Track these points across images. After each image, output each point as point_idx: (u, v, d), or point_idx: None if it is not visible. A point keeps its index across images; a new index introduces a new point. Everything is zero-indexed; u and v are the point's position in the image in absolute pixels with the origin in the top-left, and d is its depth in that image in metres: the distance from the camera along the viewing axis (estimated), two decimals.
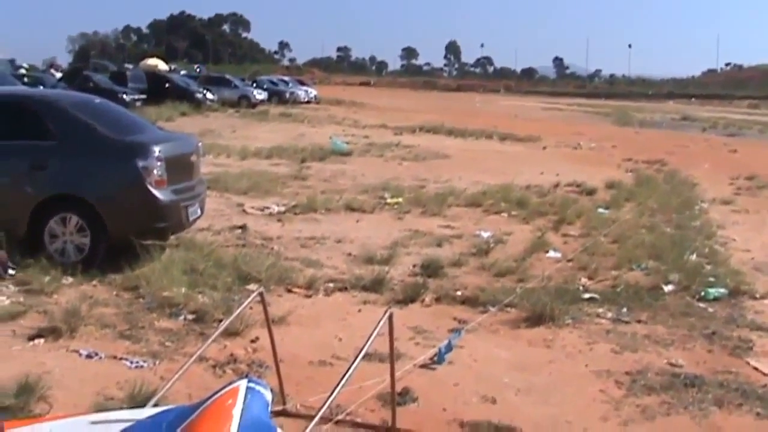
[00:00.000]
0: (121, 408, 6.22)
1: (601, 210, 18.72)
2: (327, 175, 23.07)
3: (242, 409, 3.89)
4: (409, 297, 10.67)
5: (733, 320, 10.45)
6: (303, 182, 21.57)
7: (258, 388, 4.04)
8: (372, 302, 10.45)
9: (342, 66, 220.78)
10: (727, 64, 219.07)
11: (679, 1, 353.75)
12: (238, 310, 6.26)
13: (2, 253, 3.20)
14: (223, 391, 3.98)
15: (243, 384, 3.95)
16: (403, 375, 7.25)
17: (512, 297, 10.75)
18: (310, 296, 10.71)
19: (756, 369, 8.66)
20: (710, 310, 10.90)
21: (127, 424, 3.99)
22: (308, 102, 72.78)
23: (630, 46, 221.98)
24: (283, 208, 17.13)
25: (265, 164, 25.11)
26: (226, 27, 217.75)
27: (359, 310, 10.16)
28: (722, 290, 11.69)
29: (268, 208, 17.18)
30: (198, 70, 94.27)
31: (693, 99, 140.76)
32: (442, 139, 38.49)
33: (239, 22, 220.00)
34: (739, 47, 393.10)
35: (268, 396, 4.36)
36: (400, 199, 18.80)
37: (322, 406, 4.66)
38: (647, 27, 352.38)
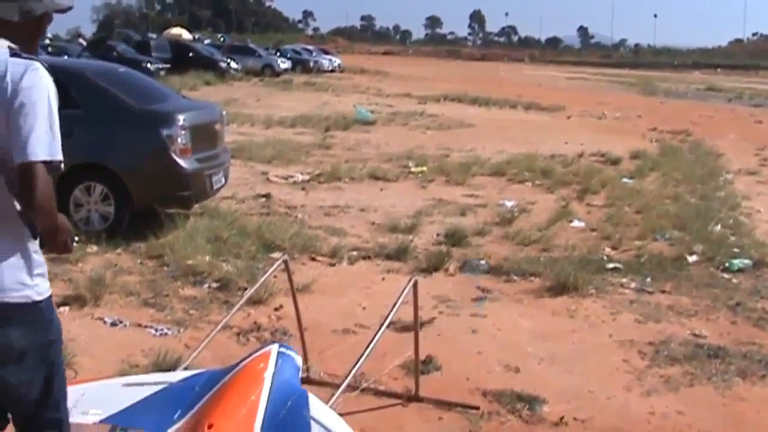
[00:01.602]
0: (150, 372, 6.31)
1: (625, 180, 18.65)
2: (351, 144, 23.09)
3: (273, 373, 4.45)
4: (433, 266, 10.66)
5: (757, 292, 10.38)
6: (327, 151, 21.60)
7: (289, 353, 4.70)
8: (396, 271, 10.45)
9: (366, 35, 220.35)
10: (754, 34, 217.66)
11: None
12: (263, 278, 6.29)
13: (67, 222, 3.21)
14: (254, 356, 4.56)
15: (274, 349, 4.60)
16: (427, 343, 7.25)
17: (536, 266, 10.77)
18: (333, 264, 10.73)
19: None
20: (734, 281, 10.83)
21: (160, 387, 4.67)
22: (332, 71, 72.87)
23: (655, 15, 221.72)
24: (307, 177, 17.15)
25: (289, 133, 25.13)
26: None
27: (383, 279, 10.18)
28: (747, 261, 11.61)
29: (292, 176, 17.21)
30: (222, 39, 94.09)
31: (719, 69, 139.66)
32: (466, 108, 38.42)
33: None
34: (767, 16, 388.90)
35: (299, 361, 4.76)
36: (424, 168, 18.78)
37: (347, 375, 4.68)
38: None
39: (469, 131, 28.58)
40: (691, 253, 11.91)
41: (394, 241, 11.63)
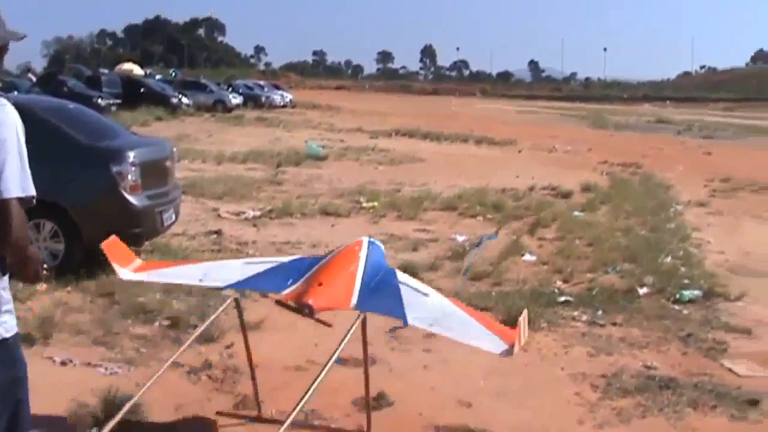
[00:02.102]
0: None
1: (576, 213, 18.77)
2: (303, 180, 23.09)
3: (367, 254, 6.33)
4: None
5: (707, 322, 10.48)
6: (278, 186, 21.59)
7: (377, 242, 6.81)
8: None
9: (318, 70, 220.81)
10: (702, 67, 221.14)
11: (653, 4, 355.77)
12: (213, 317, 6.26)
13: (38, 251, 3.22)
14: (350, 243, 6.41)
15: (365, 239, 6.55)
16: (379, 379, 7.23)
17: (487, 300, 10.78)
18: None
19: (730, 371, 8.70)
20: (685, 312, 10.93)
21: (273, 264, 6.65)
22: (284, 106, 72.83)
23: (605, 49, 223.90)
24: (258, 213, 17.13)
25: (240, 169, 25.11)
26: (201, 31, 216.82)
27: (334, 315, 10.13)
28: (697, 292, 11.72)
29: (243, 212, 17.19)
30: (174, 74, 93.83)
31: (668, 102, 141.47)
32: (418, 143, 38.62)
33: (215, 26, 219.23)
34: (714, 50, 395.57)
35: (383, 248, 6.75)
36: (376, 203, 18.81)
37: (292, 411, 4.68)
38: (622, 30, 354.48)
39: (421, 166, 28.70)
40: (642, 285, 12.00)
41: None
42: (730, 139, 55.63)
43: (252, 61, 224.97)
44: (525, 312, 5.89)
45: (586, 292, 11.65)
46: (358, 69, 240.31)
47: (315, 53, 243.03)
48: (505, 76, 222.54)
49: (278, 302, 6.23)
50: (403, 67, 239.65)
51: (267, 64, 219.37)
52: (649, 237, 16.03)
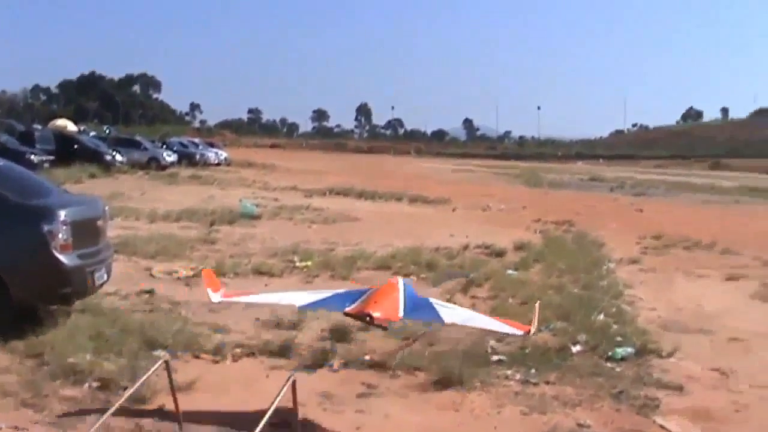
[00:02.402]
0: None
1: (510, 271, 18.84)
2: (236, 239, 22.98)
3: (403, 286, 9.65)
4: (318, 362, 10.62)
5: (640, 379, 10.60)
6: (212, 246, 21.45)
7: (408, 281, 10.93)
8: (280, 368, 10.36)
9: (253, 128, 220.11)
10: (634, 125, 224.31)
11: (586, 64, 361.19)
12: (143, 378, 6.20)
13: None
14: (388, 279, 10.35)
15: (400, 279, 10.31)
16: None
17: (421, 360, 10.78)
18: (217, 362, 10.62)
19: (663, 427, 8.79)
20: (618, 369, 11.03)
21: (332, 293, 10.00)
22: (219, 164, 72.56)
23: (539, 108, 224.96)
24: (191, 272, 16.96)
25: (174, 227, 24.94)
26: (136, 88, 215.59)
27: (267, 376, 10.09)
28: (629, 349, 11.83)
29: (176, 271, 17.05)
30: (108, 131, 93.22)
31: (601, 159, 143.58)
32: (353, 202, 38.68)
33: (150, 83, 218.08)
34: (646, 108, 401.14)
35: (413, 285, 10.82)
36: (310, 263, 18.76)
37: None
38: (556, 89, 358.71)
39: (355, 225, 28.73)
40: (575, 343, 12.08)
41: (279, 338, 11.59)
42: (661, 196, 56.58)
43: (187, 118, 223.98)
44: (538, 303, 10.03)
45: (519, 351, 11.66)
46: (293, 127, 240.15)
47: (250, 111, 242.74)
48: (439, 135, 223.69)
49: (346, 313, 9.39)
50: (339, 126, 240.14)
51: (202, 122, 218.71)
52: (582, 295, 16.13)
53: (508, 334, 10.22)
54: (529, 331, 9.03)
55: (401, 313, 9.27)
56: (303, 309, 11.05)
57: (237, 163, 74.85)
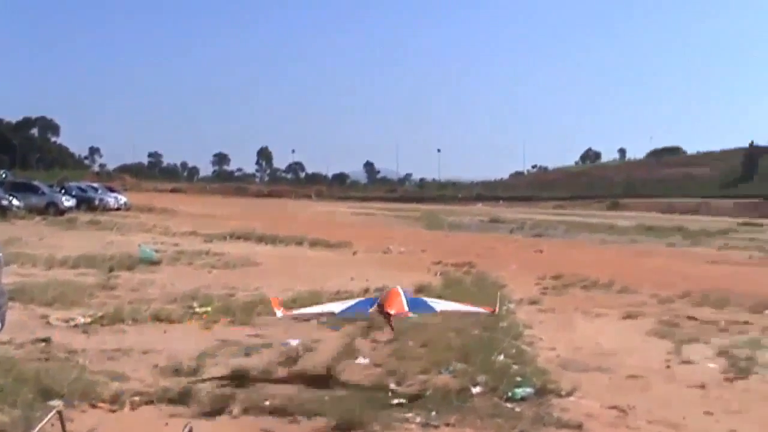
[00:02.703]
0: None
1: (410, 315, 18.88)
2: (135, 285, 22.74)
3: (402, 291, 14.43)
4: (217, 408, 10.59)
5: (540, 419, 10.72)
6: (111, 292, 21.20)
7: (406, 290, 15.98)
8: (179, 415, 10.30)
9: (153, 172, 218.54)
10: (533, 166, 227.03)
11: (486, 107, 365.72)
12: (35, 430, 6.15)
13: None
14: (391, 289, 14.84)
15: (399, 288, 14.77)
16: None
17: (321, 405, 10.81)
18: (115, 411, 10.51)
19: None
20: (517, 410, 11.14)
21: (356, 300, 15.98)
22: (118, 209, 71.76)
23: (439, 150, 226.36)
24: (89, 320, 16.77)
25: (71, 274, 24.60)
26: (34, 131, 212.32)
27: (166, 424, 10.03)
28: (529, 390, 11.96)
29: (73, 319, 16.83)
30: (4, 175, 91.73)
31: (501, 201, 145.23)
32: (253, 246, 38.50)
33: (48, 126, 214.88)
34: (545, 150, 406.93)
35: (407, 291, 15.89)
36: (209, 308, 18.65)
37: None
38: (456, 131, 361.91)
39: (256, 269, 28.63)
40: (475, 384, 12.17)
41: (178, 385, 11.52)
42: (560, 237, 57.51)
43: (86, 162, 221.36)
44: (499, 293, 16.33)
45: (420, 394, 11.75)
46: (194, 171, 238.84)
47: (150, 155, 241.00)
48: (340, 178, 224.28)
49: (371, 312, 13.93)
50: (239, 169, 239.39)
51: (102, 166, 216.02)
52: (482, 336, 16.26)
53: (479, 313, 15.11)
54: (494, 311, 14.64)
55: (407, 310, 13.75)
56: (340, 316, 14.81)
57: (137, 208, 74.12)
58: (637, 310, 21.00)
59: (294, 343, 15.21)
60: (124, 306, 18.42)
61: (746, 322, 19.68)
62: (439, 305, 14.55)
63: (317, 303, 19.43)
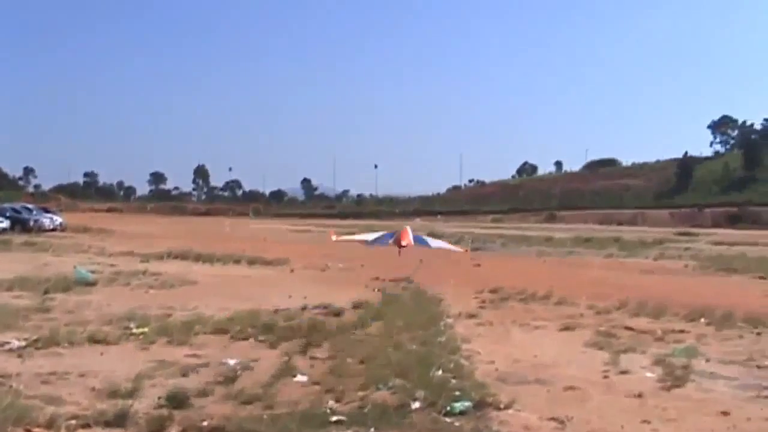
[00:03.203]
0: None
1: (348, 330, 18.93)
2: (71, 306, 22.49)
3: (410, 229, 37.99)
4: (155, 430, 10.53)
5: None
6: (46, 314, 20.94)
7: (411, 227, 43.20)
8: None
9: (89, 192, 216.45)
10: (470, 181, 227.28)
11: (422, 122, 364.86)
12: None
13: None
14: (403, 227, 38.96)
15: (408, 227, 38.64)
16: None
17: (259, 424, 10.78)
18: None
19: None
20: (456, 424, 11.22)
21: (383, 232, 39.80)
22: (54, 230, 71.04)
23: (376, 166, 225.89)
24: (23, 343, 16.57)
25: (5, 297, 24.29)
26: None
27: None
28: (467, 404, 12.04)
29: (7, 343, 16.61)
30: None
31: (439, 215, 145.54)
32: (190, 265, 38.29)
33: None
34: (482, 164, 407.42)
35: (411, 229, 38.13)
36: (146, 329, 18.51)
37: None
38: (392, 147, 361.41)
39: (193, 289, 28.47)
40: (414, 400, 12.23)
41: (114, 407, 11.43)
42: (498, 250, 57.85)
43: (21, 182, 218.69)
44: (469, 246, 38.55)
45: (359, 411, 11.76)
46: (130, 190, 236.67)
47: (86, 174, 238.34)
48: (278, 195, 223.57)
49: (390, 242, 35.30)
50: (176, 188, 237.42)
51: (36, 186, 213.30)
52: (420, 351, 16.33)
53: (458, 251, 34.88)
54: (467, 250, 38.18)
55: (412, 242, 32.63)
56: (370, 245, 33.12)
57: (73, 228, 73.41)
58: (574, 322, 21.26)
59: (232, 362, 15.17)
60: (60, 328, 18.20)
61: (682, 331, 20.03)
62: (434, 243, 28.98)
63: (254, 322, 19.47)
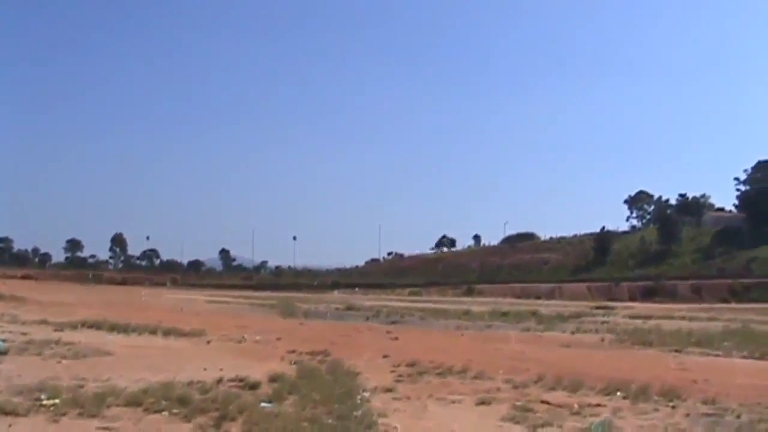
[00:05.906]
0: None
1: (264, 404, 18.79)
2: None
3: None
4: None
5: None
6: None
7: None
8: None
9: (3, 258, 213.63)
10: (389, 254, 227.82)
11: (341, 194, 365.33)
12: None
13: None
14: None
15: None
16: None
17: None
18: None
19: None
20: None
21: None
22: None
23: (294, 238, 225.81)
24: None
25: None
26: None
27: None
28: None
29: None
30: None
31: (357, 288, 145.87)
32: (105, 335, 37.73)
33: None
34: (400, 237, 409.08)
35: None
36: (58, 400, 18.17)
37: None
38: (311, 219, 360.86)
39: (107, 359, 28.02)
40: None
41: None
42: (416, 323, 57.95)
43: None
44: None
45: None
46: (46, 257, 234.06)
47: (0, 240, 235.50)
48: (196, 265, 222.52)
49: None
50: (93, 256, 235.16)
51: None
52: (336, 425, 16.29)
53: None
54: None
55: None
56: None
57: None
58: (491, 396, 21.29)
59: None
60: None
61: (599, 405, 20.18)
62: None
63: (169, 395, 19.22)
